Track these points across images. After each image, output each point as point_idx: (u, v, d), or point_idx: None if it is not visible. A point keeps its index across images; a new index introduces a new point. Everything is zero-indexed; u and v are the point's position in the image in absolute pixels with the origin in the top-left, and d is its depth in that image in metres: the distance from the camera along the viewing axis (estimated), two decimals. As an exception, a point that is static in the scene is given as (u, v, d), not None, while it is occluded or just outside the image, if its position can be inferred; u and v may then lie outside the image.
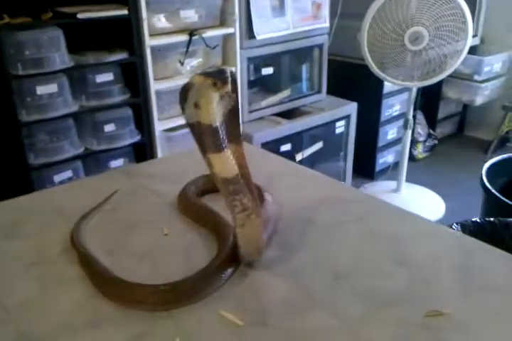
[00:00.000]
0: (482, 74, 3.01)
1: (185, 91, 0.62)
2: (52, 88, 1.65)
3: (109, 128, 1.82)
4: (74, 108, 1.73)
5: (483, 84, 3.04)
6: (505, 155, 1.87)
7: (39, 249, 0.80)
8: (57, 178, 1.76)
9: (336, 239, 0.82)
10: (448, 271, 0.73)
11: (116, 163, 1.90)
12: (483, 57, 2.98)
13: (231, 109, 0.64)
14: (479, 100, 3.10)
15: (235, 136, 0.65)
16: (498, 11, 3.09)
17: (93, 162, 1.86)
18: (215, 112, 0.61)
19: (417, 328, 0.62)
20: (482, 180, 1.65)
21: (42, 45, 1.61)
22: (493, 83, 3.11)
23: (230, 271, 0.72)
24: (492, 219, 1.39)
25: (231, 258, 0.73)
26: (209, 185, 0.93)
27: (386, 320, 0.64)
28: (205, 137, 0.62)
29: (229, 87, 0.59)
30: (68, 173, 1.77)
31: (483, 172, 1.68)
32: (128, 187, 1.00)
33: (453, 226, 1.39)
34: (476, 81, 3.03)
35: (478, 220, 1.41)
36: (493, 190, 1.58)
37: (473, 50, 2.40)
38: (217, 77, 0.58)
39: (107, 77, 1.80)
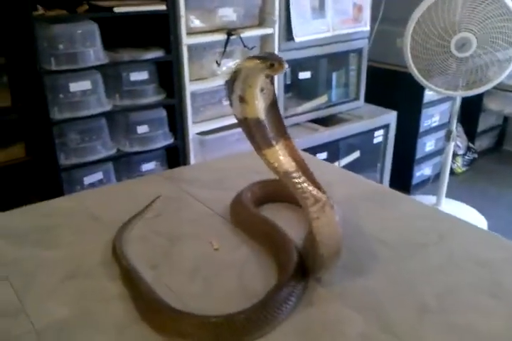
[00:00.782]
0: (527, 86, 2.86)
1: (231, 81, 0.58)
2: (85, 85, 1.57)
3: (142, 129, 1.73)
4: (107, 107, 1.64)
5: (528, 96, 2.90)
6: None
7: (76, 260, 0.70)
8: (87, 180, 1.67)
9: (416, 264, 0.70)
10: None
11: (148, 166, 1.81)
12: (530, 67, 2.83)
13: (271, 102, 0.60)
14: (523, 113, 2.95)
15: (281, 130, 0.61)
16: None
17: (124, 164, 1.77)
18: (260, 105, 0.58)
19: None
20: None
21: (76, 40, 1.53)
22: (539, 95, 2.96)
23: (294, 299, 0.60)
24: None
25: (295, 280, 0.62)
26: (267, 192, 0.82)
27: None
28: (255, 132, 0.59)
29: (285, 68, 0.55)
30: (99, 175, 1.68)
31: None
32: (169, 192, 0.90)
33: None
34: (521, 93, 2.89)
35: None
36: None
37: (519, 60, 2.27)
38: (271, 58, 0.54)
39: (141, 75, 1.72)
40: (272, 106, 0.60)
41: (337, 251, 0.61)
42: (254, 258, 0.72)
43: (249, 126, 0.59)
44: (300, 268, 0.64)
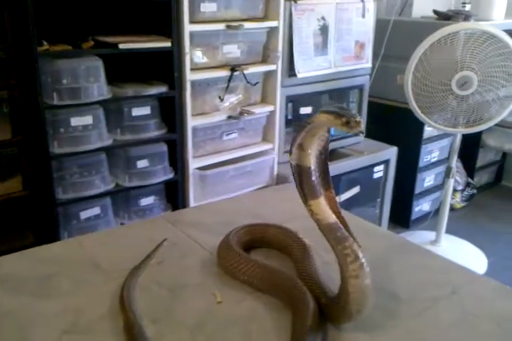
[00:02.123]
0: (526, 123, 2.89)
1: (300, 131, 0.60)
2: (87, 120, 1.56)
3: (142, 164, 1.72)
4: (108, 142, 1.63)
5: (527, 133, 2.92)
6: None
7: (75, 313, 0.67)
8: (83, 215, 1.64)
9: (428, 320, 0.67)
10: None
11: (147, 200, 1.78)
12: (528, 105, 2.85)
13: (322, 150, 0.61)
14: (521, 149, 2.96)
15: (327, 180, 0.62)
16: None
17: (123, 199, 1.74)
18: (314, 153, 0.60)
19: None
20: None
21: (80, 75, 1.53)
22: (537, 132, 2.98)
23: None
24: None
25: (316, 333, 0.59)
26: (254, 237, 0.80)
27: None
28: (304, 181, 0.61)
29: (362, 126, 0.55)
30: (96, 210, 1.65)
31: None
32: (173, 237, 0.87)
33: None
34: (519, 129, 2.91)
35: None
36: None
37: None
38: (347, 114, 0.54)
39: (144, 110, 1.71)
40: (323, 154, 0.61)
41: (367, 307, 0.61)
42: (261, 311, 0.69)
43: (300, 173, 0.61)
44: (318, 318, 0.61)
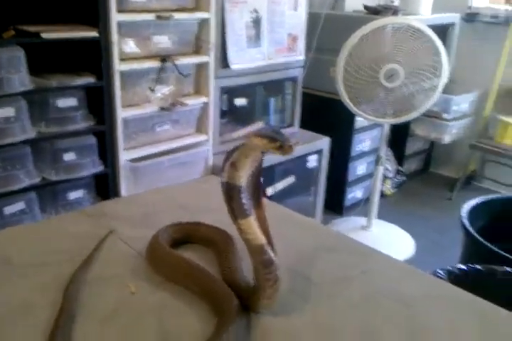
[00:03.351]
0: (451, 113, 3.05)
1: (231, 152, 0.61)
2: (8, 112, 1.50)
3: (69, 157, 1.68)
4: (32, 134, 1.58)
5: (451, 123, 3.08)
6: (482, 198, 1.84)
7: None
8: (7, 210, 1.58)
9: (341, 302, 0.71)
10: (466, 345, 0.64)
11: (75, 194, 1.74)
12: (452, 95, 3.02)
13: (255, 170, 0.61)
14: (447, 138, 3.13)
15: (258, 199, 0.63)
16: (467, 50, 3.17)
17: (50, 193, 1.70)
18: (247, 174, 0.61)
19: None
20: (462, 222, 1.60)
21: (0, 65, 1.47)
22: (460, 122, 3.15)
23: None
24: (478, 266, 1.33)
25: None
26: (182, 235, 0.82)
27: None
28: (234, 200, 0.61)
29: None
30: (21, 205, 1.60)
31: (464, 214, 1.64)
32: (92, 230, 0.87)
33: (437, 273, 1.31)
34: (445, 119, 3.06)
35: (463, 267, 1.34)
36: (475, 233, 1.53)
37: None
38: (280, 139, 0.55)
39: (70, 102, 1.67)
40: (256, 173, 0.62)
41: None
42: (175, 301, 0.70)
43: (231, 192, 0.60)
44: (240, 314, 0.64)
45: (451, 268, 1.33)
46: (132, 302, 0.70)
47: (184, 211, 0.96)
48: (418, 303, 0.72)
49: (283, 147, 0.55)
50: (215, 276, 0.71)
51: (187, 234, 0.83)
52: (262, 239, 0.61)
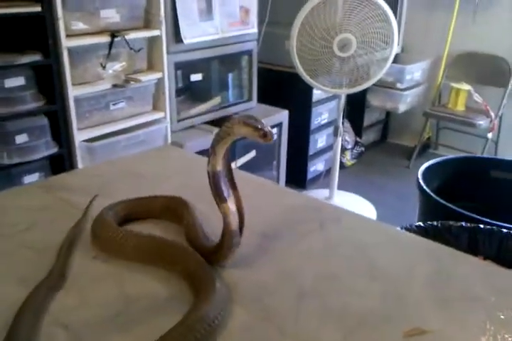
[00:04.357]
0: (404, 82, 3.10)
1: (217, 142, 0.63)
2: (-50, 93, 1.43)
3: (21, 139, 1.62)
4: (-22, 116, 1.52)
5: (405, 92, 3.14)
6: (436, 159, 1.90)
7: None
8: (-42, 197, 1.52)
9: (297, 253, 0.73)
10: (423, 282, 0.66)
11: (31, 178, 1.69)
12: (405, 65, 3.07)
13: (225, 153, 0.65)
14: (402, 108, 3.19)
15: (233, 180, 0.67)
16: (416, 19, 3.23)
17: (3, 178, 1.64)
18: (221, 157, 0.64)
19: (401, 352, 0.54)
20: (419, 182, 1.65)
21: None
22: (414, 91, 3.22)
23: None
24: (435, 222, 1.38)
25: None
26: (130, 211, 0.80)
27: (367, 345, 0.55)
28: (218, 186, 0.65)
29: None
30: (-28, 190, 1.54)
31: (419, 175, 1.69)
32: (45, 202, 0.85)
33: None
34: (399, 89, 3.12)
35: (421, 224, 1.39)
36: (431, 193, 1.58)
37: (394, 59, 2.46)
38: (265, 128, 0.59)
39: (17, 81, 1.60)
40: (227, 156, 0.65)
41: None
42: (134, 265, 0.70)
43: (215, 178, 0.64)
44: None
45: (409, 226, 1.37)
46: (92, 267, 0.69)
47: (141, 179, 0.95)
48: (377, 250, 0.74)
49: (266, 135, 0.59)
50: (181, 243, 0.71)
51: (136, 211, 0.80)
52: (235, 224, 0.65)
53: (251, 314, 0.60)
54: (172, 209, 0.80)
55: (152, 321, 0.58)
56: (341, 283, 0.66)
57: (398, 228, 1.36)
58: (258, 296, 0.63)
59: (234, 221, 0.66)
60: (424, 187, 1.62)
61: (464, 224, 1.37)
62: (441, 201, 1.54)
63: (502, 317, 0.60)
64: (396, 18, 3.01)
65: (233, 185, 0.67)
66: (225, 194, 0.65)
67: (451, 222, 1.38)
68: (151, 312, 0.60)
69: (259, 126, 0.59)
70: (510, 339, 0.56)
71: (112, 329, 0.57)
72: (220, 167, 0.64)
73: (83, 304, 0.61)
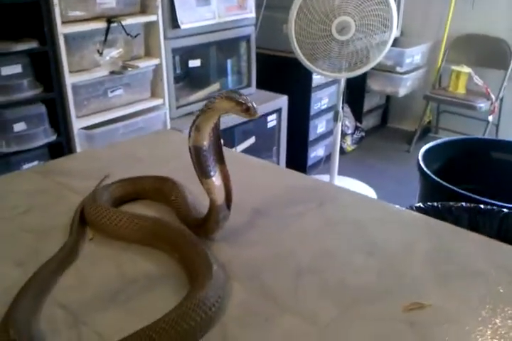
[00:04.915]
0: (404, 66, 3.08)
1: (197, 116, 0.62)
2: None
3: (19, 127, 1.61)
4: (-25, 104, 1.51)
5: (405, 76, 3.12)
6: (436, 141, 1.89)
7: None
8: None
9: (295, 231, 0.73)
10: (422, 258, 0.66)
11: (30, 166, 1.69)
12: (404, 49, 3.05)
13: (214, 129, 0.64)
14: (402, 91, 3.17)
15: (221, 155, 0.66)
16: (416, 2, 3.19)
17: (2, 166, 1.63)
18: (208, 133, 0.63)
19: (399, 324, 0.55)
20: (419, 164, 1.65)
21: None
22: (414, 74, 3.20)
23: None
24: (435, 203, 1.37)
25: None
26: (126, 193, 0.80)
27: (363, 320, 0.55)
28: (201, 161, 0.64)
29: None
30: (-28, 179, 1.54)
31: (420, 157, 1.68)
32: (42, 186, 0.85)
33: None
34: (399, 72, 3.10)
35: (421, 205, 1.39)
36: (431, 174, 1.58)
37: (394, 42, 2.43)
38: (248, 102, 0.58)
39: (14, 69, 1.59)
40: (216, 132, 0.64)
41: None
42: (132, 246, 0.70)
43: (197, 154, 0.64)
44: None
45: (409, 208, 1.37)
46: (89, 249, 0.69)
47: (140, 163, 0.94)
48: (376, 227, 0.74)
49: (249, 110, 0.58)
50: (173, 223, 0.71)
51: (128, 192, 0.80)
52: (220, 199, 0.65)
53: (248, 291, 0.60)
54: (160, 189, 0.80)
55: (150, 299, 0.58)
56: (339, 259, 0.66)
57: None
58: (255, 273, 0.63)
59: (219, 196, 0.65)
60: (425, 168, 1.61)
61: (464, 204, 1.37)
62: (442, 182, 1.53)
63: (501, 291, 0.60)
64: (395, 0, 2.98)
65: (221, 160, 0.66)
66: (209, 170, 0.64)
67: (451, 203, 1.37)
68: (148, 291, 0.60)
69: (242, 101, 0.58)
70: (509, 312, 0.56)
71: (109, 308, 0.57)
72: (205, 142, 0.63)
73: (81, 284, 0.62)
